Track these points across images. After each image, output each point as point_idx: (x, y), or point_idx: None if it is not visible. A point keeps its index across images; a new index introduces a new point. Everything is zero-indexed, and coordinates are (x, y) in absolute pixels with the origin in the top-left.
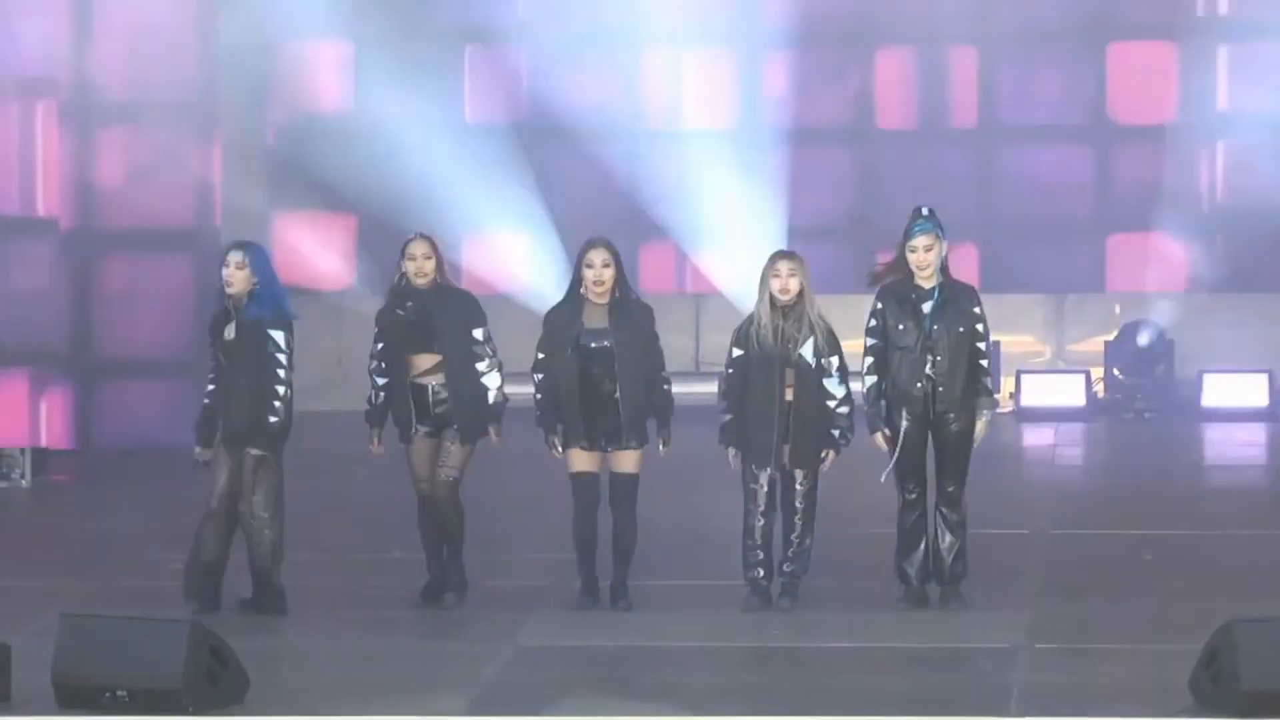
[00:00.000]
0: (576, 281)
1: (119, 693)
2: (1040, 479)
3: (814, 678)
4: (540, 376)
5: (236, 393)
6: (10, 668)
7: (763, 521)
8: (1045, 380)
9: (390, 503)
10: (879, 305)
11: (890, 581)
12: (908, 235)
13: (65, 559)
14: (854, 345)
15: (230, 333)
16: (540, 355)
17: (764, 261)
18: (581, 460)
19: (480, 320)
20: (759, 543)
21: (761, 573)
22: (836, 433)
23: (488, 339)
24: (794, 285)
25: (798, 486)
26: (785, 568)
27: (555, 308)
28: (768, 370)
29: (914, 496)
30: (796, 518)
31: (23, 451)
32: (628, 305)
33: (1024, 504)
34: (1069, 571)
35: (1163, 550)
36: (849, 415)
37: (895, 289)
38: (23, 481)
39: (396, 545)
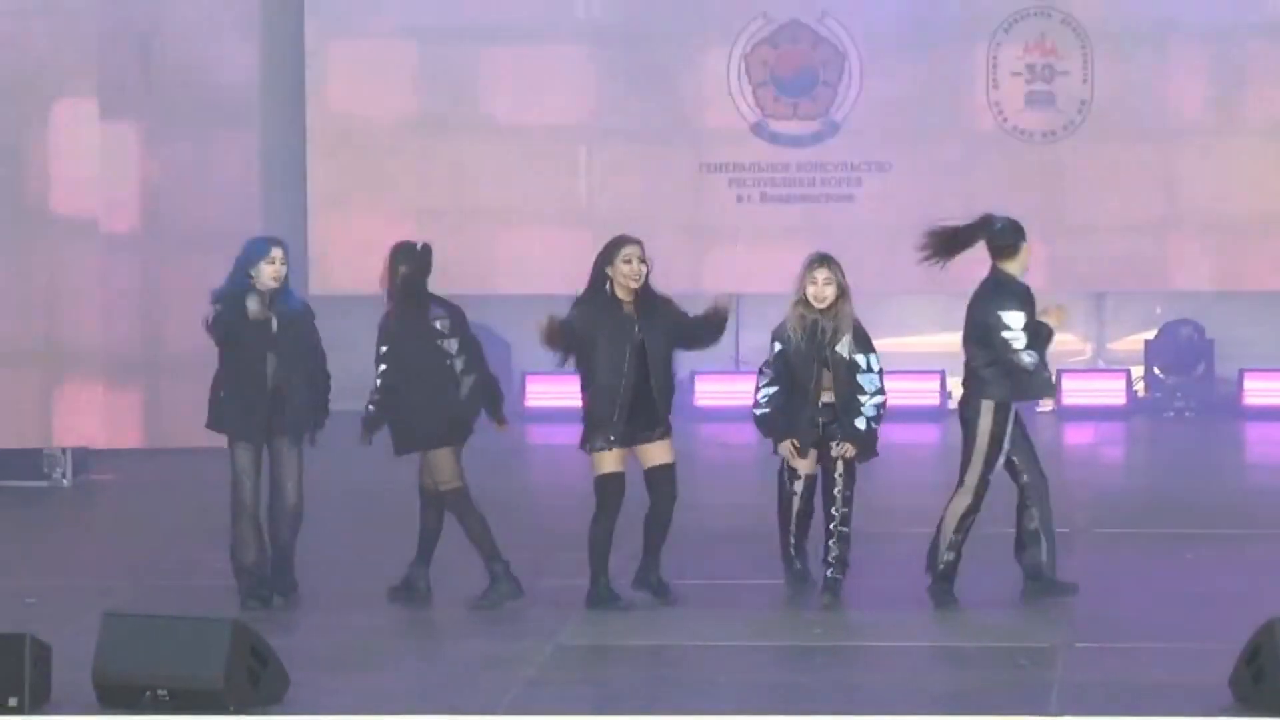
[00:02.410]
0: (602, 277)
1: (160, 692)
2: (1081, 478)
3: (854, 676)
4: (583, 372)
5: (292, 383)
6: (51, 667)
7: (796, 524)
8: (1086, 379)
9: None
10: None
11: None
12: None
13: (106, 558)
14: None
15: (274, 326)
16: (577, 355)
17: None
18: (612, 461)
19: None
20: (795, 541)
21: (799, 565)
22: (861, 424)
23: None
24: (829, 293)
25: (837, 477)
26: (831, 557)
27: (587, 303)
28: (806, 368)
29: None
30: (835, 509)
31: (64, 451)
32: (651, 297)
33: (1064, 503)
34: (1109, 570)
35: (1204, 549)
36: (877, 409)
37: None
38: (64, 481)
39: (438, 544)
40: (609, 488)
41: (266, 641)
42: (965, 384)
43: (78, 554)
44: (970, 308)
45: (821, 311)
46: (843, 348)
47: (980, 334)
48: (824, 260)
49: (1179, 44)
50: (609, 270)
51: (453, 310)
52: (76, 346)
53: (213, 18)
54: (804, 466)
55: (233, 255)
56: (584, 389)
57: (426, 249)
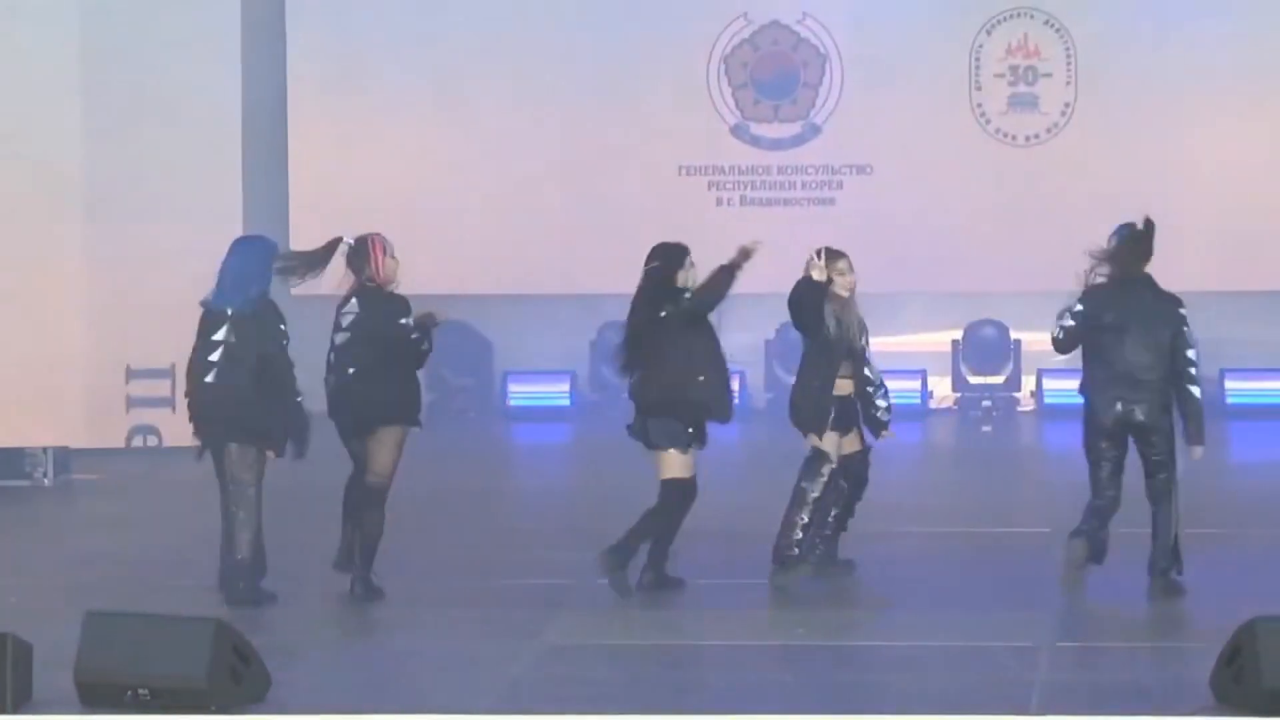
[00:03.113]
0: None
1: (142, 691)
2: (1063, 477)
3: (838, 676)
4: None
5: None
6: (33, 666)
7: (820, 514)
8: (1070, 379)
9: (417, 501)
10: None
11: (915, 579)
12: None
13: (88, 557)
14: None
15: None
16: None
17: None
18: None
19: None
20: (811, 526)
21: (797, 552)
22: (886, 415)
23: None
24: (853, 280)
25: (863, 469)
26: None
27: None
28: (835, 357)
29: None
30: (855, 499)
31: (45, 450)
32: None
33: (1046, 502)
34: (1091, 569)
35: (1185, 548)
36: (887, 396)
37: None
38: (45, 480)
39: (422, 543)
40: (688, 491)
41: (249, 641)
42: (1149, 392)
43: (60, 553)
44: (1149, 308)
45: (844, 303)
46: (863, 340)
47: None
48: (839, 253)
49: (1163, 45)
50: (681, 274)
51: (367, 309)
52: (63, 349)
53: (197, 22)
54: (835, 448)
55: (212, 252)
56: (666, 383)
57: (359, 241)
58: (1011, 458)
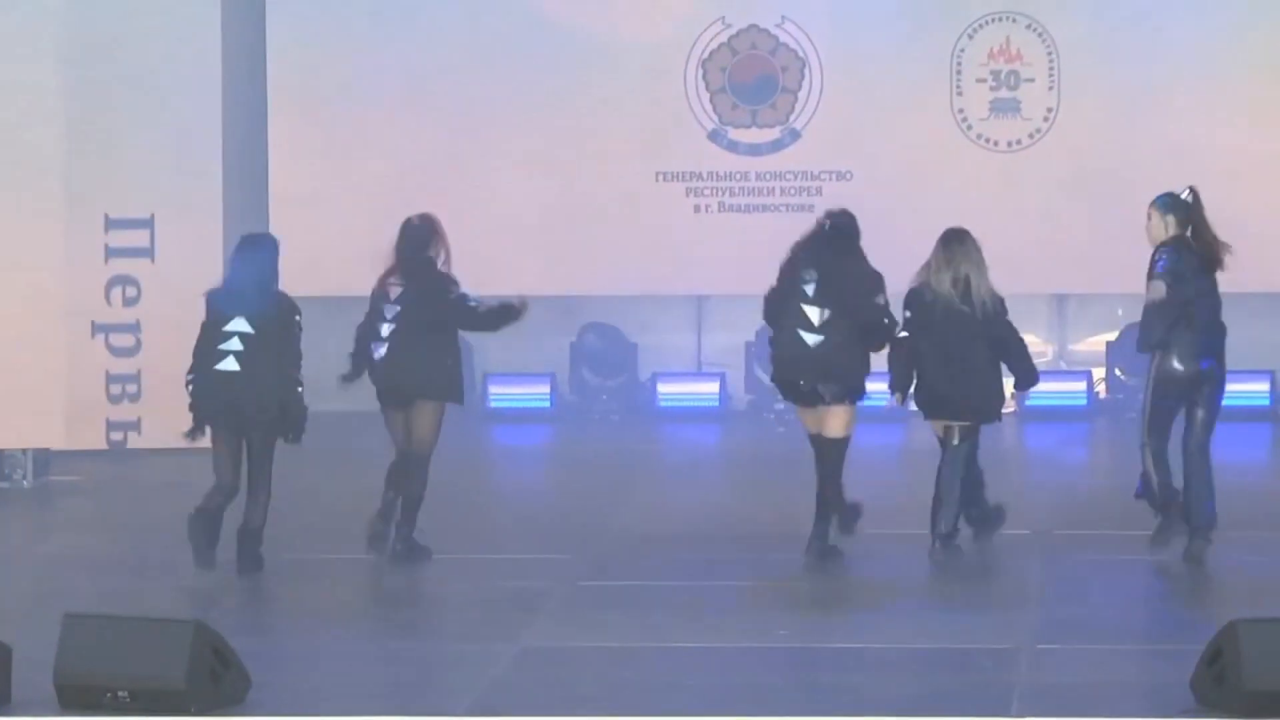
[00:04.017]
0: None
1: (121, 693)
2: (1043, 479)
3: (817, 678)
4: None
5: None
6: (11, 669)
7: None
8: (1048, 380)
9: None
10: None
11: (894, 581)
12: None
13: (68, 559)
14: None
15: None
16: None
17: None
18: None
19: None
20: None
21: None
22: None
23: None
24: None
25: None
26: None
27: None
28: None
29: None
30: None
31: (24, 452)
32: None
33: (1026, 504)
34: (1071, 572)
35: (1165, 551)
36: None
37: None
38: (25, 482)
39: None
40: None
41: (228, 642)
42: (1216, 343)
43: (39, 555)
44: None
45: None
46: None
47: None
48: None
49: (1146, 49)
50: None
51: (410, 285)
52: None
53: (175, 19)
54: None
55: (192, 250)
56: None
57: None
58: (993, 460)
